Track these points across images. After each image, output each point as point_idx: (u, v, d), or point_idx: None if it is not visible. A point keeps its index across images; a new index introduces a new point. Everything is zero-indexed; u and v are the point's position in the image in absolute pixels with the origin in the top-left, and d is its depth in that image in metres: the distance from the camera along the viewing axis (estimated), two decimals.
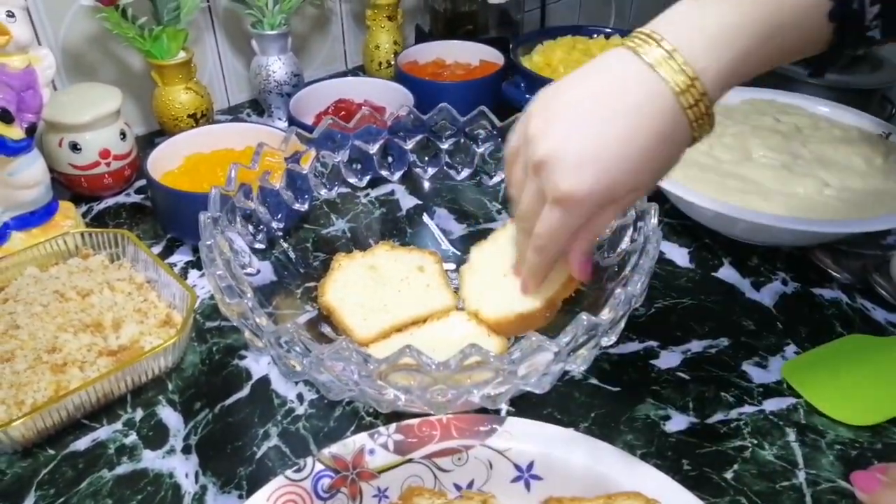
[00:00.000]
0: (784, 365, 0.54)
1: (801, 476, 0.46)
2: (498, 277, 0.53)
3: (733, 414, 0.51)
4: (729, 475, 0.46)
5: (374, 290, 0.53)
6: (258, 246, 0.54)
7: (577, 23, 1.35)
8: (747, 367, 0.55)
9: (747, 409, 0.51)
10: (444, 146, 0.61)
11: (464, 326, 0.51)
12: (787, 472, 0.47)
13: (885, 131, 0.71)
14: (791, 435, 0.49)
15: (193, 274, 0.64)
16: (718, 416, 0.51)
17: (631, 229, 0.50)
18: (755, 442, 0.49)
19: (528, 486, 0.43)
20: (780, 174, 0.64)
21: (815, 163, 0.66)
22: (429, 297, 0.53)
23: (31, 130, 0.59)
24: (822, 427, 0.50)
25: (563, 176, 0.38)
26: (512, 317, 0.50)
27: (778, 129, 0.71)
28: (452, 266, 0.60)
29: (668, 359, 0.55)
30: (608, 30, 0.94)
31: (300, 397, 0.52)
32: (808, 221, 0.59)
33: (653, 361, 0.55)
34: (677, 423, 0.50)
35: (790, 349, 0.56)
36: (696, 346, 0.56)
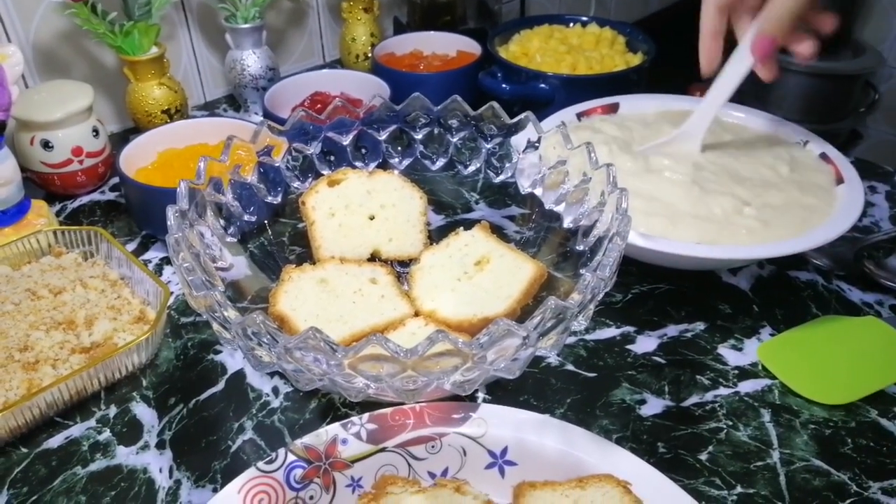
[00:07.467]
0: (759, 347, 0.55)
1: (776, 456, 0.47)
2: (452, 281, 0.53)
3: (708, 396, 0.51)
4: (703, 457, 0.47)
5: (328, 301, 0.51)
6: (230, 240, 0.53)
7: (558, 12, 1.35)
8: (723, 350, 0.55)
9: (722, 391, 0.51)
10: (418, 136, 0.61)
11: (424, 330, 0.50)
12: (762, 452, 0.47)
13: (803, 139, 0.66)
14: (766, 416, 0.49)
15: (168, 270, 0.64)
16: (694, 399, 0.51)
17: (604, 215, 0.50)
18: (730, 423, 0.49)
19: (502, 472, 0.43)
20: (691, 192, 0.57)
21: (725, 176, 0.59)
22: (385, 307, 0.52)
23: None
24: (797, 407, 0.50)
25: None
26: (475, 320, 0.50)
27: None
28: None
29: (645, 344, 0.55)
30: (584, 18, 0.94)
31: (275, 390, 0.51)
32: (718, 248, 0.53)
33: (629, 347, 0.55)
34: (653, 406, 0.50)
35: (766, 331, 0.56)
36: (672, 330, 0.57)
